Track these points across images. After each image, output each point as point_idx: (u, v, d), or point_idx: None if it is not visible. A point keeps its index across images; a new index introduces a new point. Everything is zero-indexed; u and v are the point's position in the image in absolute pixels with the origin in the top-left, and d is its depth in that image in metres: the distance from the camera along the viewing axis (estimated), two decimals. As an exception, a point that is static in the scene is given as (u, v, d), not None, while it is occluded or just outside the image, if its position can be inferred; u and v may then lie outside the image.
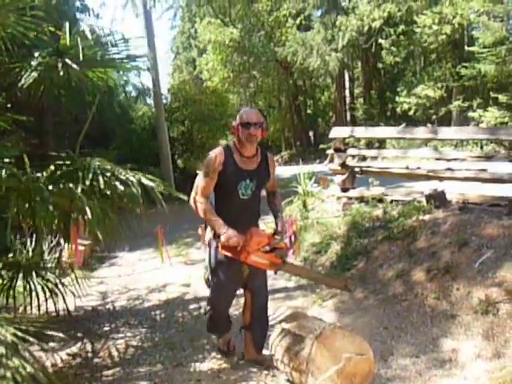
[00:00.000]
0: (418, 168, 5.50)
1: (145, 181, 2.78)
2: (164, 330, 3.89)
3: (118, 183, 2.65)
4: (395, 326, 3.45)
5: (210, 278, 2.94)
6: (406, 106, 19.87)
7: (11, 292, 3.51)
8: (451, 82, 18.94)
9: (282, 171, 12.75)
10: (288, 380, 2.84)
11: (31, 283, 3.65)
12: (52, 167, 2.94)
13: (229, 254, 2.69)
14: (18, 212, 2.67)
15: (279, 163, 21.32)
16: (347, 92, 26.26)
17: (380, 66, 24.77)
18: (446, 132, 5.04)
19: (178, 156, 15.43)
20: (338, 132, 6.06)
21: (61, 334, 3.82)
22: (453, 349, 3.00)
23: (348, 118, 25.91)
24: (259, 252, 2.66)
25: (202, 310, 3.91)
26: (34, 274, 3.54)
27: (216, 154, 2.71)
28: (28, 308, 3.95)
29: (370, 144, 18.75)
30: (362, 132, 6.13)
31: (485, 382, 2.56)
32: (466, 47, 18.18)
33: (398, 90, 21.45)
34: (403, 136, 5.42)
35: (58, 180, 2.72)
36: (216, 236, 2.73)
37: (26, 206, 2.65)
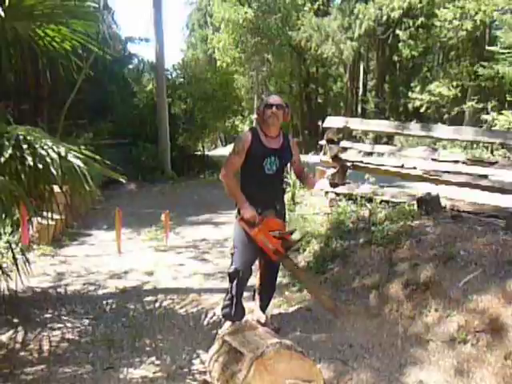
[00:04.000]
0: (414, 168, 5.04)
1: (72, 158, 2.35)
2: (109, 323, 3.51)
3: (30, 158, 2.24)
4: (361, 344, 3.04)
5: (233, 246, 3.15)
6: (418, 103, 19.17)
7: None
8: (467, 81, 18.21)
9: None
10: (225, 401, 2.45)
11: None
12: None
13: (245, 227, 3.00)
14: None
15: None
16: (360, 84, 25.62)
17: (396, 58, 23.85)
18: (443, 131, 4.56)
19: (177, 135, 14.94)
20: (332, 122, 5.60)
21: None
22: (420, 380, 2.60)
23: (359, 110, 25.31)
24: (268, 234, 2.96)
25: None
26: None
27: (245, 134, 3.11)
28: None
29: (377, 139, 18.19)
30: (356, 123, 5.64)
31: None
32: (487, 46, 17.40)
33: (412, 85, 20.72)
34: (398, 131, 4.96)
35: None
36: (238, 210, 3.05)
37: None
